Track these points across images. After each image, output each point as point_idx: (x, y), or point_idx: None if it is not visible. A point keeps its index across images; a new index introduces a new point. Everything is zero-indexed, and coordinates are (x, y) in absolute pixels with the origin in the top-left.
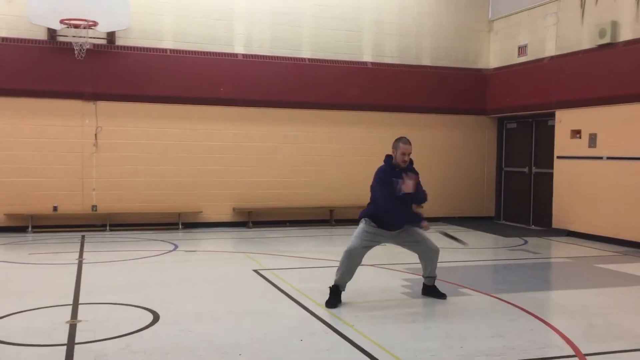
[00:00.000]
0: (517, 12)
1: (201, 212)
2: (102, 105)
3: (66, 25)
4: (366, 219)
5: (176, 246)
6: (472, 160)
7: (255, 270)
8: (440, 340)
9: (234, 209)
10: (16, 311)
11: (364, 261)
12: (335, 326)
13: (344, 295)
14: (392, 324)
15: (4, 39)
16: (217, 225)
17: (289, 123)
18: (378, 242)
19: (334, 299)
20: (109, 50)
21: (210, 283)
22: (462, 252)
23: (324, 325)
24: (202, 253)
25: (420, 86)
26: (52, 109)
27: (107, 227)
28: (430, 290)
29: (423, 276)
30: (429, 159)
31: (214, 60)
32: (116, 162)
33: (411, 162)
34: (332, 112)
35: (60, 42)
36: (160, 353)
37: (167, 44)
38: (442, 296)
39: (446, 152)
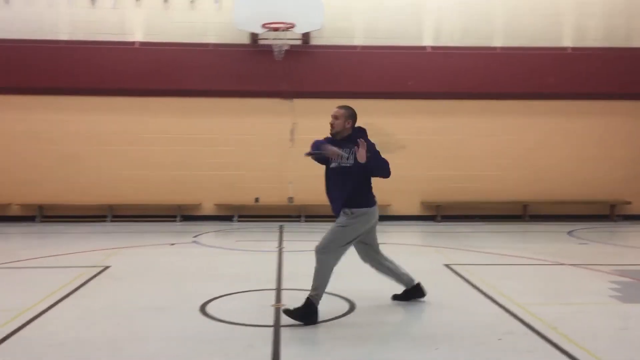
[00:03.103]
0: None
1: (390, 205)
2: (298, 102)
3: (267, 29)
4: None
5: None
6: None
7: (447, 265)
8: None
9: (422, 203)
10: (229, 292)
11: (563, 259)
12: (535, 327)
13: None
14: (601, 329)
15: (215, 45)
16: (405, 219)
17: (479, 115)
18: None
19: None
20: (304, 50)
21: None
22: None
23: (522, 326)
24: (392, 246)
25: (632, 70)
26: (253, 107)
27: (302, 218)
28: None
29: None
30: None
31: (402, 55)
32: None
33: (358, 131)
34: (524, 102)
35: (261, 45)
36: (359, 340)
37: (358, 40)
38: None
39: None
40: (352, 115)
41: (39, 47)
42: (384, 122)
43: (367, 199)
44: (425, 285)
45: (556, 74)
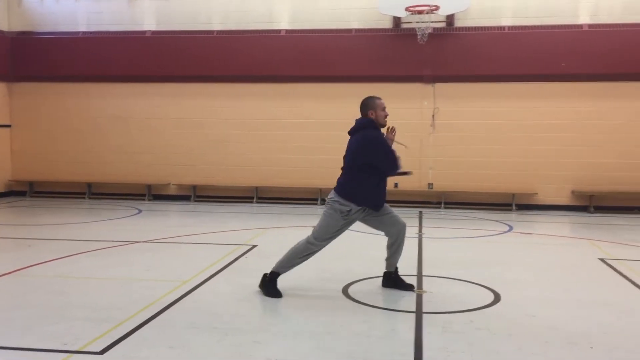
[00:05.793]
0: None
1: (536, 193)
2: (440, 86)
3: (410, 12)
4: (341, 200)
5: (511, 227)
6: None
7: (602, 260)
8: None
9: (572, 192)
10: (370, 276)
11: None
12: None
13: None
14: None
15: (357, 30)
16: (554, 209)
17: None
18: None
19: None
20: (448, 33)
21: (551, 268)
22: None
23: None
24: (539, 236)
25: None
26: (394, 92)
27: (442, 205)
28: (395, 281)
29: (387, 262)
30: None
31: (554, 34)
32: (451, 142)
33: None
34: None
35: (404, 29)
36: (504, 333)
37: (506, 21)
38: (408, 287)
39: None
40: None
41: (194, 38)
42: (534, 105)
43: None
44: (578, 279)
45: None
